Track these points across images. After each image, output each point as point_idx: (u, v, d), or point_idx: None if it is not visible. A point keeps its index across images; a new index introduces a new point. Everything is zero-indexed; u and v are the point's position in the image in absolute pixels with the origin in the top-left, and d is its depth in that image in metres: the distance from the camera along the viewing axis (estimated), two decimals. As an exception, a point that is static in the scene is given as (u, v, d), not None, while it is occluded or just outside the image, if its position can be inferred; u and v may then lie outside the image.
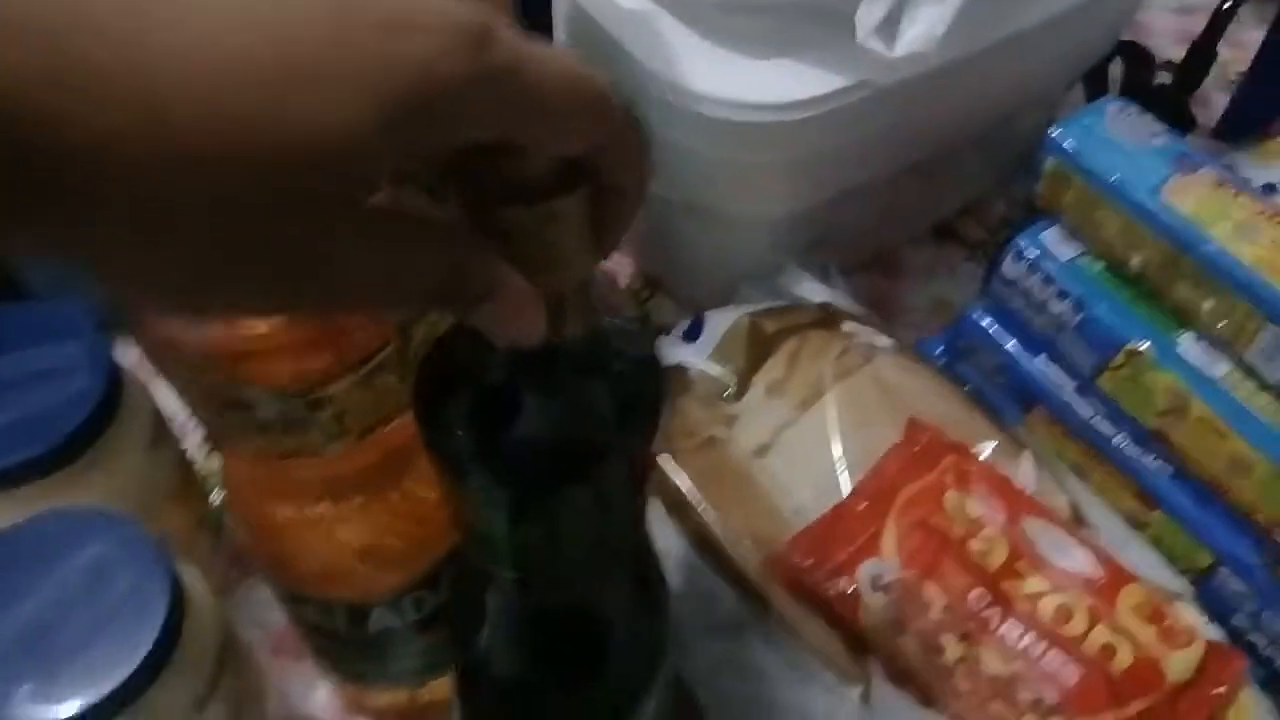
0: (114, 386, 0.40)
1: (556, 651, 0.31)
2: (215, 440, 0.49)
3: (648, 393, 0.28)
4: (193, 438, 0.49)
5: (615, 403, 0.27)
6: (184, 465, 0.45)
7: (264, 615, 0.48)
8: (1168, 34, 0.72)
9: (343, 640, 0.41)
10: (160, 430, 0.43)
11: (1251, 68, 0.63)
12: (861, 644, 0.41)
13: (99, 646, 0.33)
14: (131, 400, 0.41)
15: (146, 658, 0.33)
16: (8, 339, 0.40)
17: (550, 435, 0.26)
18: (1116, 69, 0.62)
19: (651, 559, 0.32)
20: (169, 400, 0.47)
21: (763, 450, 0.47)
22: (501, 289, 0.21)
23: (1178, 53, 0.64)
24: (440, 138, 0.19)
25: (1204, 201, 0.42)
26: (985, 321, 0.50)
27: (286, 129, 0.17)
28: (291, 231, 0.18)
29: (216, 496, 0.51)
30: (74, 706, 0.32)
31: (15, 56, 0.16)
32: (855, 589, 0.41)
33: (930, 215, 0.64)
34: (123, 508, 0.37)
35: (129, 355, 0.43)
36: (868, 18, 0.44)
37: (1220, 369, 0.43)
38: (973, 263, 0.62)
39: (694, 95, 0.46)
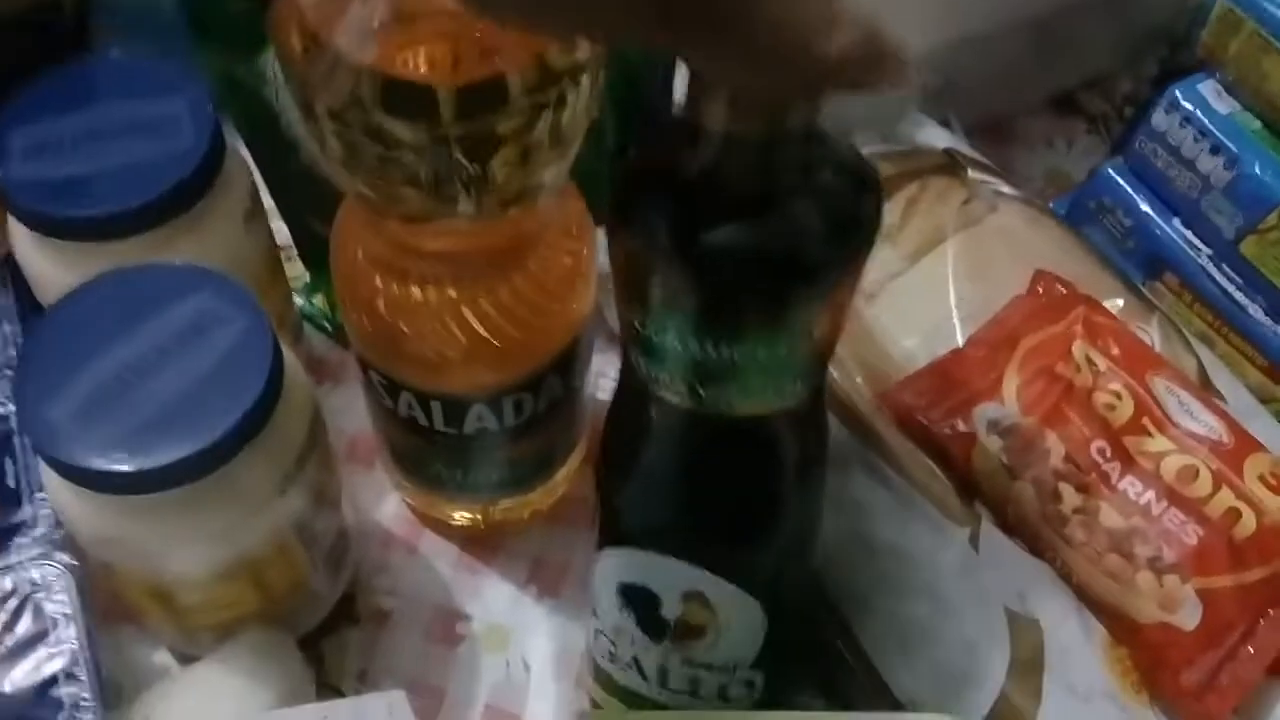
0: (217, 147, 0.38)
1: (715, 477, 0.30)
2: (304, 250, 0.47)
3: (863, 213, 0.26)
4: (281, 232, 0.48)
5: (826, 218, 0.25)
6: (273, 252, 0.44)
7: (338, 423, 0.47)
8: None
9: (433, 439, 0.39)
10: (256, 205, 0.41)
11: None
12: (972, 488, 0.39)
13: (196, 401, 0.32)
14: (232, 167, 0.39)
15: (243, 417, 0.32)
16: (112, 88, 0.38)
17: (754, 242, 0.25)
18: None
19: (823, 390, 0.31)
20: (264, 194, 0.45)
21: (870, 297, 0.45)
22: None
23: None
24: None
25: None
26: (1121, 179, 0.47)
27: None
28: None
29: (299, 298, 0.49)
30: (156, 461, 0.31)
31: None
32: (971, 431, 0.39)
33: (1051, 84, 0.60)
34: (217, 275, 0.36)
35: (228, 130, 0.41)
36: None
37: (1382, 236, 0.40)
38: (1093, 135, 0.59)
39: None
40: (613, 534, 0.33)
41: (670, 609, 0.32)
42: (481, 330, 0.35)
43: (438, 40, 0.28)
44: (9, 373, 0.42)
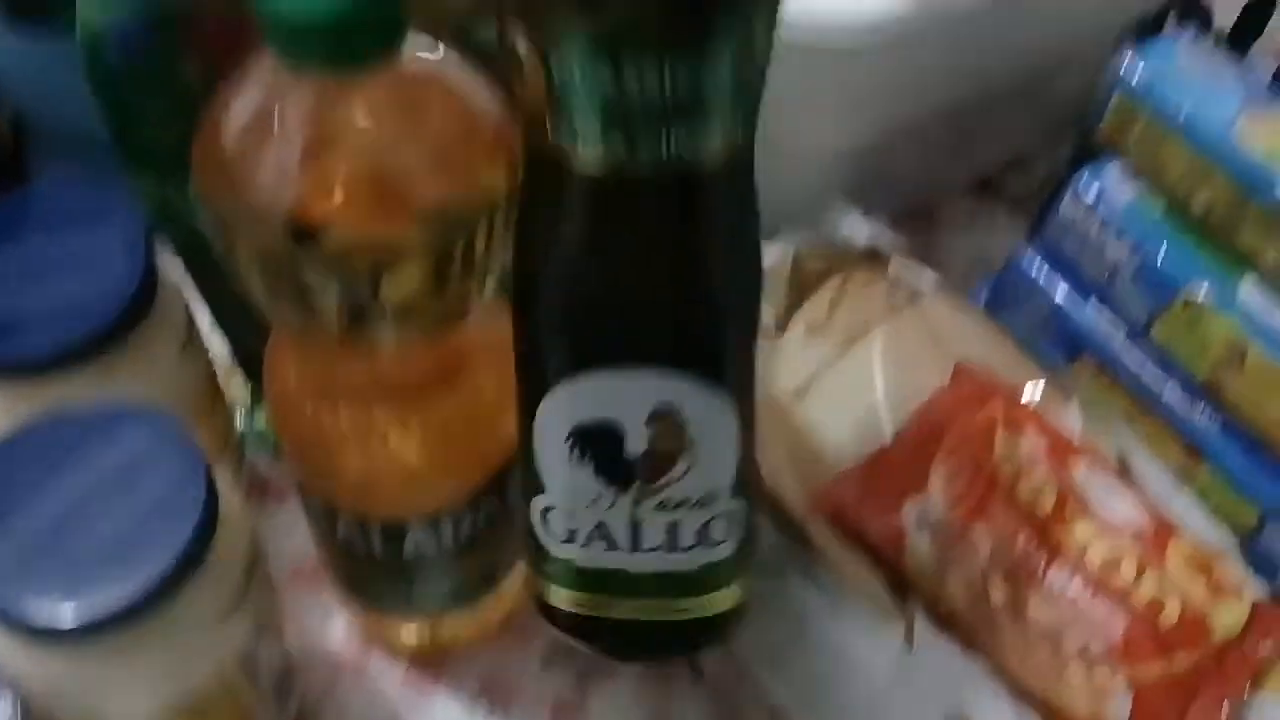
0: (150, 281, 0.38)
1: (660, 251, 0.27)
2: (245, 366, 0.48)
3: None
4: (219, 351, 0.48)
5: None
6: (211, 378, 0.44)
7: (282, 543, 0.47)
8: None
9: (374, 562, 0.39)
10: (192, 333, 0.41)
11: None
12: (905, 585, 0.40)
13: (130, 543, 0.32)
14: (167, 297, 0.39)
15: (180, 557, 0.32)
16: (44, 219, 0.39)
17: None
18: (1171, 22, 0.61)
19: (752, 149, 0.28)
20: (198, 310, 0.46)
21: (801, 392, 0.46)
22: None
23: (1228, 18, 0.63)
24: None
25: (1276, 141, 0.41)
26: (1034, 266, 0.49)
27: None
28: None
29: (240, 421, 0.49)
30: (101, 605, 0.31)
31: None
32: (901, 527, 0.40)
33: (972, 169, 0.62)
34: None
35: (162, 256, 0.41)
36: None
37: (1282, 317, 0.42)
38: (1014, 218, 0.61)
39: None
40: (554, 371, 0.29)
41: (635, 441, 0.29)
42: (415, 454, 0.35)
43: (347, 177, 0.28)
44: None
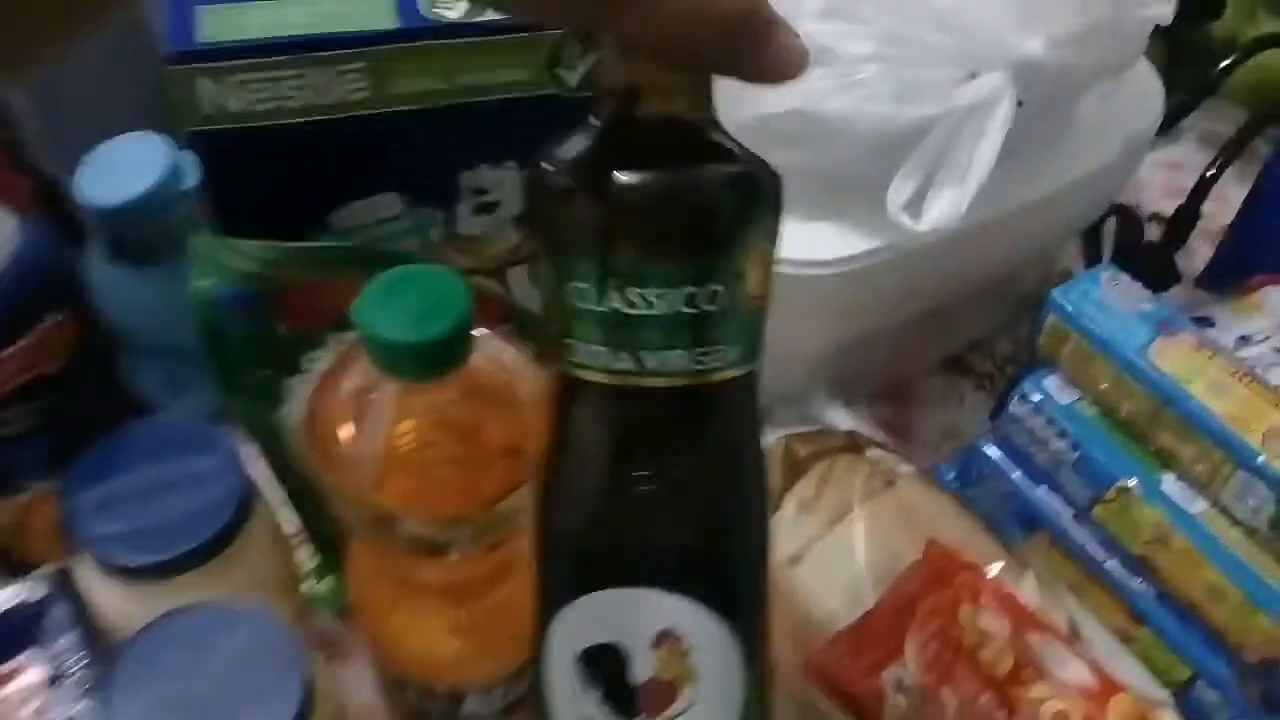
0: (249, 488, 0.46)
1: (669, 472, 0.29)
2: (313, 537, 0.55)
3: (763, 177, 0.28)
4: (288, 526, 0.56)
5: (734, 191, 0.28)
6: (291, 559, 0.52)
7: (350, 698, 0.54)
8: (1158, 188, 0.80)
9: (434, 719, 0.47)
10: (279, 531, 0.49)
11: (1232, 226, 0.71)
12: (885, 740, 0.47)
13: (244, 721, 0.39)
14: (260, 504, 0.47)
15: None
16: (157, 449, 0.47)
17: (668, 180, 0.27)
18: (1111, 225, 0.70)
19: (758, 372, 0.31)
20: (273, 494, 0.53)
21: (795, 560, 0.53)
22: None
23: (1168, 205, 0.72)
24: None
25: (1183, 361, 0.49)
26: (993, 452, 0.57)
27: None
28: None
29: (307, 585, 0.57)
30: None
31: None
32: (881, 690, 0.47)
33: (942, 350, 0.71)
34: (250, 598, 0.44)
35: (254, 465, 0.49)
36: (898, 196, 0.51)
37: (1198, 506, 0.49)
38: (980, 393, 0.69)
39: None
40: (565, 592, 0.30)
41: (641, 667, 0.29)
42: (469, 639, 0.43)
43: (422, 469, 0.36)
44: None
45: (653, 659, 0.29)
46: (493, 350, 0.38)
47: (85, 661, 0.48)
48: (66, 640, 0.50)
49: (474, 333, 0.36)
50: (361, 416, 0.37)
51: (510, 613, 0.43)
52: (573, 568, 0.30)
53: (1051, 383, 0.54)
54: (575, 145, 0.28)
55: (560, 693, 0.31)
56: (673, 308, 0.27)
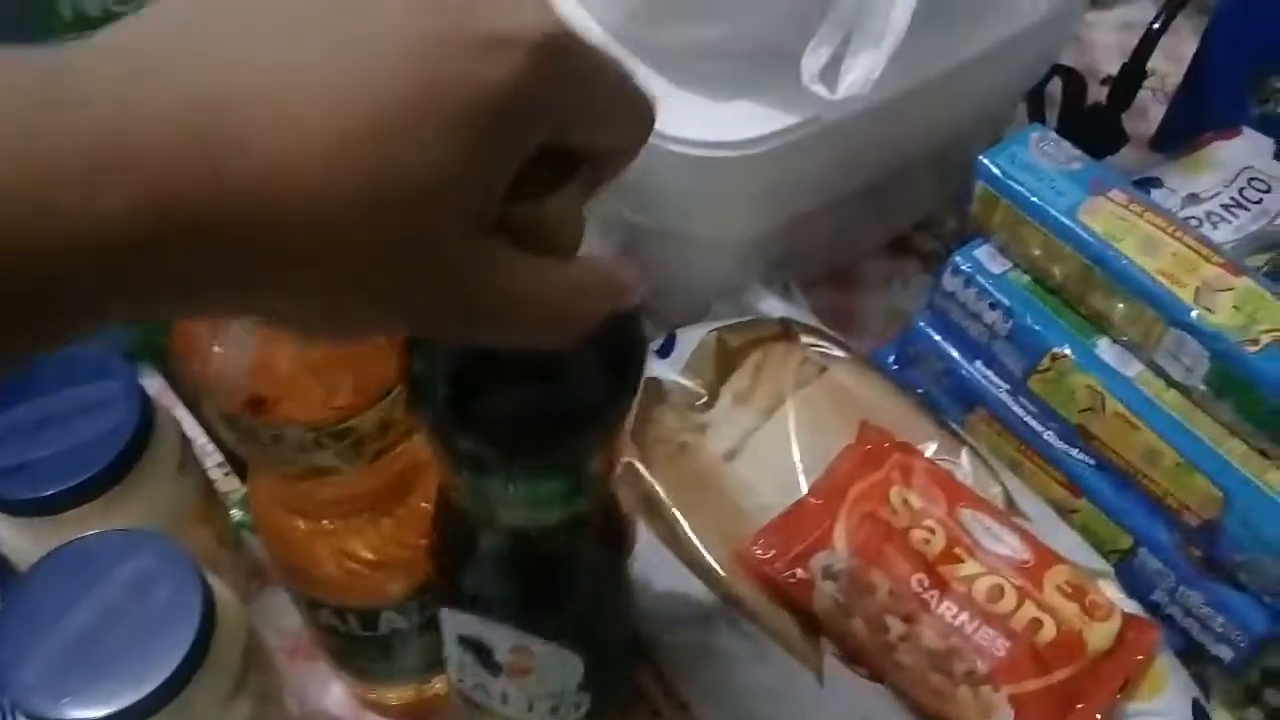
0: (147, 418, 0.44)
1: (527, 565, 0.36)
2: (238, 465, 0.54)
3: (632, 354, 0.31)
4: (212, 459, 0.54)
5: (598, 367, 0.30)
6: (207, 486, 0.50)
7: (281, 621, 0.53)
8: (1110, 49, 0.77)
9: (355, 641, 0.46)
10: (186, 454, 0.48)
11: (1183, 82, 0.68)
12: (816, 628, 0.46)
13: (140, 651, 0.38)
14: (161, 429, 0.46)
15: (183, 660, 0.38)
16: (49, 379, 0.45)
17: (536, 402, 0.30)
18: (1055, 88, 0.67)
19: (620, 516, 0.39)
20: (191, 426, 0.52)
21: (731, 454, 0.52)
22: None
23: (1118, 68, 0.69)
24: (519, 149, 0.21)
25: (1113, 220, 0.47)
26: (930, 330, 0.55)
27: (385, 176, 0.19)
28: (403, 266, 0.20)
29: (236, 513, 0.56)
30: (118, 705, 0.37)
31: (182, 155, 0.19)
32: (810, 577, 0.46)
33: (885, 231, 0.68)
34: (155, 527, 0.42)
35: (154, 384, 0.48)
36: (811, 63, 0.48)
37: (1133, 369, 0.48)
38: (926, 274, 0.67)
39: (664, 136, 0.50)
40: (449, 600, 0.37)
41: (501, 656, 0.37)
42: (375, 556, 0.42)
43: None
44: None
45: (510, 656, 0.37)
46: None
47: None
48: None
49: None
50: (227, 331, 0.35)
51: (413, 526, 0.41)
52: (453, 591, 0.37)
53: (983, 253, 0.52)
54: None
55: (450, 648, 0.39)
56: (536, 491, 0.32)
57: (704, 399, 0.54)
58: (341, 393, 0.35)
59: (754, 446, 0.52)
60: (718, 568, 0.47)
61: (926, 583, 0.45)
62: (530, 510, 0.32)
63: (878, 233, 0.68)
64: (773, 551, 0.47)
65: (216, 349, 0.34)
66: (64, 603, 0.39)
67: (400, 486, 0.41)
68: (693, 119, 0.51)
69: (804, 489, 0.50)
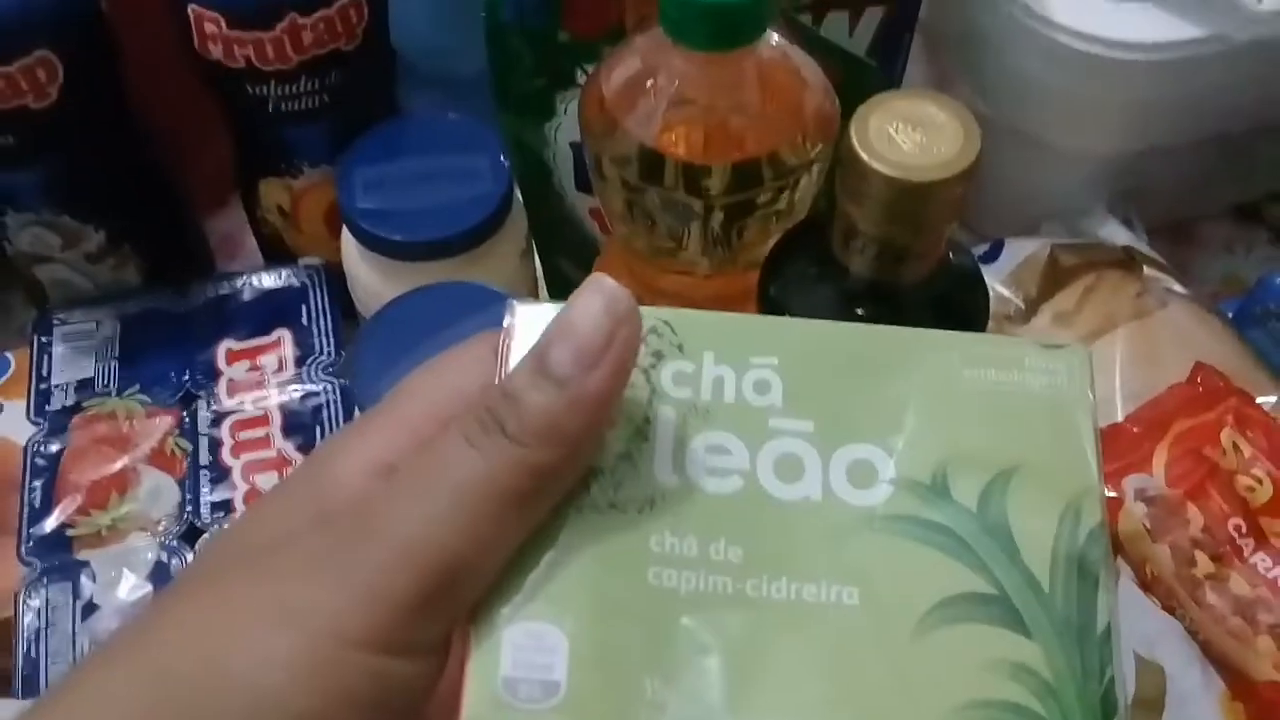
0: (508, 195, 0.47)
1: None
2: (561, 263, 0.56)
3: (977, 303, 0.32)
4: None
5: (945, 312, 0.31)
6: (535, 283, 0.53)
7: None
8: None
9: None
10: (529, 244, 0.50)
11: None
12: (1116, 547, 0.44)
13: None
14: (516, 212, 0.48)
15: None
16: (427, 142, 0.48)
17: None
18: None
19: None
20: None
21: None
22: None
23: None
24: None
25: None
26: (1285, 287, 0.52)
27: None
28: None
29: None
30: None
31: None
32: (1119, 496, 0.44)
33: (1236, 194, 0.64)
34: (496, 299, 0.45)
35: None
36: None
37: None
38: (1274, 245, 0.63)
39: (1050, 23, 0.49)
40: None
41: None
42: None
43: (699, 125, 0.36)
44: (324, 360, 0.52)
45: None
46: (784, 53, 0.37)
47: (334, 347, 0.51)
48: (320, 326, 0.53)
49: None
50: (641, 91, 0.37)
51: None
52: None
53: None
54: None
55: None
56: None
57: (1020, 310, 0.53)
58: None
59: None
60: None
61: (1243, 529, 0.43)
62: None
63: (1226, 194, 0.64)
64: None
65: (630, 110, 0.36)
66: (418, 339, 0.42)
67: (739, 303, 0.42)
68: (1087, 12, 0.49)
69: (1120, 417, 0.48)
